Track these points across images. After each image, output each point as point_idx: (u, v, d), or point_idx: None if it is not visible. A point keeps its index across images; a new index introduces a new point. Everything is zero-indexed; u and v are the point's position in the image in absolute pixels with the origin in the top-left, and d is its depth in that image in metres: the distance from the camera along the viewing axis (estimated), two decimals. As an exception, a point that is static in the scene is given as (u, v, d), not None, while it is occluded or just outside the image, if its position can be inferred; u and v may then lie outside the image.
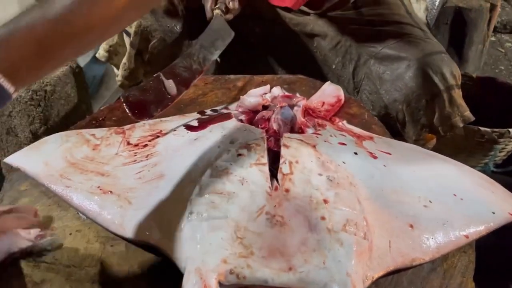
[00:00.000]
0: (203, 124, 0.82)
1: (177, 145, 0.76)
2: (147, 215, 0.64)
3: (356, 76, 1.14)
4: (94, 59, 2.04)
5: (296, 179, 0.65)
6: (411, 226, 0.65)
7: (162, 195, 0.66)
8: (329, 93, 0.97)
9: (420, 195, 0.70)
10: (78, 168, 0.73)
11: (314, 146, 0.72)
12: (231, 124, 0.79)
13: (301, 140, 0.73)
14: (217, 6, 1.00)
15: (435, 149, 0.84)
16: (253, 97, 0.89)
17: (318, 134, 0.78)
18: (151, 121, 0.85)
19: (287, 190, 0.63)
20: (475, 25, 1.79)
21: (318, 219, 0.59)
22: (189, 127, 0.82)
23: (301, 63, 1.25)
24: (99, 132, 0.82)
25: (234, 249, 0.55)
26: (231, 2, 1.00)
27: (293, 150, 0.70)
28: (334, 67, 1.20)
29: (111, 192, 0.68)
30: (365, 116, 0.95)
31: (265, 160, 0.68)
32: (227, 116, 0.83)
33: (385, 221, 0.65)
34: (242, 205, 0.60)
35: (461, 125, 1.06)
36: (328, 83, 1.01)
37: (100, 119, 0.91)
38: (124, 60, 1.33)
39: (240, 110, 0.87)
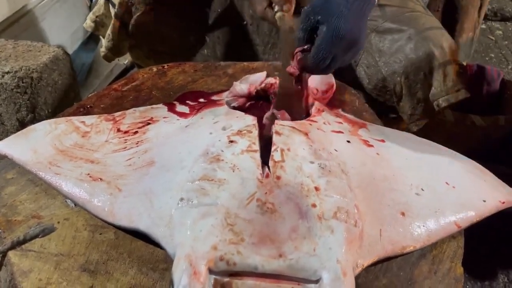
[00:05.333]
0: (194, 110, 0.81)
1: (168, 131, 0.76)
2: (137, 202, 0.63)
3: None
4: (83, 46, 2.01)
5: (287, 166, 0.65)
6: (403, 213, 0.65)
7: (152, 181, 0.65)
8: (321, 80, 0.96)
9: (412, 182, 0.70)
10: (67, 155, 0.72)
11: (306, 134, 0.72)
12: (222, 111, 0.79)
13: (294, 128, 0.72)
14: (276, 10, 0.91)
15: (427, 136, 0.84)
16: (245, 84, 0.88)
17: (312, 121, 0.77)
18: (142, 108, 0.84)
19: (278, 178, 0.63)
20: (466, 12, 1.78)
21: (309, 206, 0.59)
22: (181, 114, 0.81)
23: None
24: (89, 119, 0.81)
25: (224, 235, 0.55)
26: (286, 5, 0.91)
27: (285, 138, 0.70)
28: None
29: (101, 179, 0.67)
30: (356, 103, 0.94)
31: (256, 147, 0.67)
32: (219, 103, 0.82)
33: (376, 209, 0.65)
34: (233, 192, 0.60)
35: (455, 100, 1.06)
36: None
37: (88, 106, 0.90)
38: (109, 31, 1.25)
39: (231, 96, 0.86)
